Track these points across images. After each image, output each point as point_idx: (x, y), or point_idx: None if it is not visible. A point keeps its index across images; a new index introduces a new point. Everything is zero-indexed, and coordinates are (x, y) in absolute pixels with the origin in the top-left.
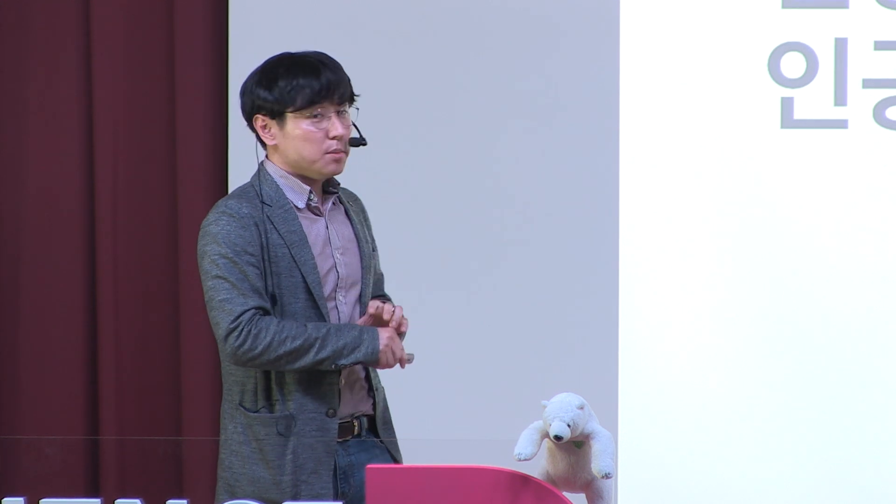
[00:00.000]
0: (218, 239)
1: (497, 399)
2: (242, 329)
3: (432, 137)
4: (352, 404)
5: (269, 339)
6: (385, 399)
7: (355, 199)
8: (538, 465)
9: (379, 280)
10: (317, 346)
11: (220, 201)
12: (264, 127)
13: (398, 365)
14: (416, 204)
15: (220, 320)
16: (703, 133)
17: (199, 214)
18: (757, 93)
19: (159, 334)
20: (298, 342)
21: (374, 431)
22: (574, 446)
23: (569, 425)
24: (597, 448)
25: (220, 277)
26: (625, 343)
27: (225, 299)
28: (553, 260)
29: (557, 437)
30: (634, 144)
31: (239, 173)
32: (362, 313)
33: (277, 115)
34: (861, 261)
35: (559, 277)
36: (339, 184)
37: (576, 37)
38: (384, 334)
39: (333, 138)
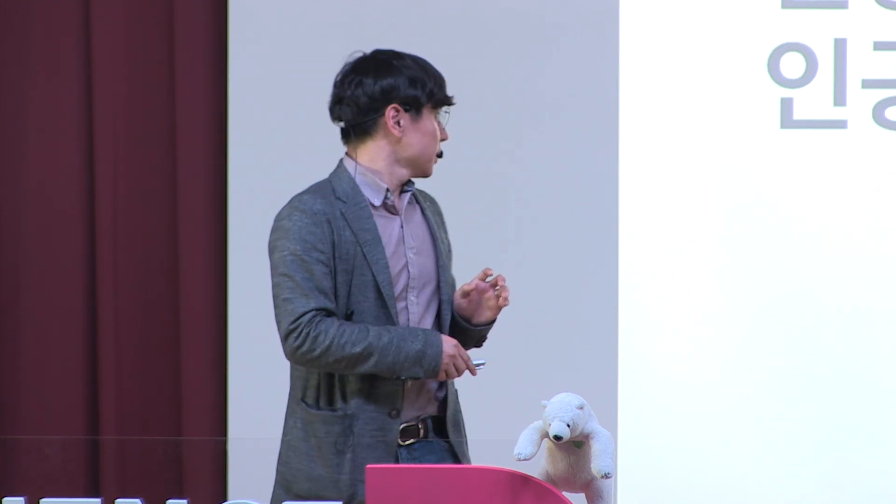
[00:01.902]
0: (290, 235)
1: (497, 399)
2: (302, 330)
3: None
4: (418, 406)
5: (327, 342)
6: (457, 400)
7: (432, 201)
8: (538, 465)
9: (453, 284)
10: (376, 355)
11: (294, 196)
12: (396, 117)
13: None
14: None
15: (282, 319)
16: (702, 133)
17: (199, 215)
18: (757, 93)
19: (159, 335)
20: (358, 349)
21: (444, 433)
22: (574, 446)
23: (568, 425)
24: (596, 448)
25: (285, 275)
26: (625, 343)
27: (288, 298)
28: (553, 260)
29: (557, 437)
30: (634, 144)
31: (239, 173)
32: (444, 313)
33: (416, 107)
34: (861, 261)
35: (559, 277)
36: (413, 182)
37: (576, 37)
38: (448, 349)
39: (442, 140)
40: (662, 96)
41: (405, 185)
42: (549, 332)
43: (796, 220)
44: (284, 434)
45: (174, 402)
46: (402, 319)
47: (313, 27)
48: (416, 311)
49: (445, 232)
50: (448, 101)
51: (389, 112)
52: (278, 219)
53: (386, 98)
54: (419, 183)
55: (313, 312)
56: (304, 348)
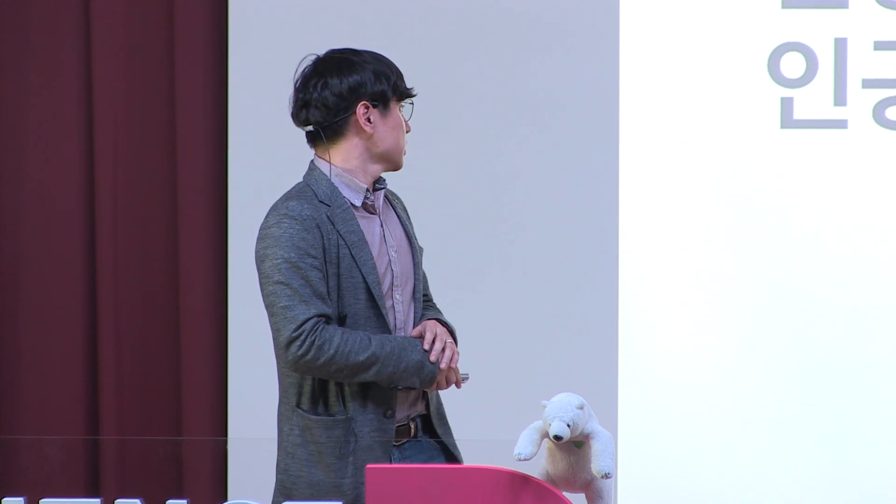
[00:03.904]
0: (281, 242)
1: (497, 399)
2: (306, 338)
3: (432, 138)
4: (407, 406)
5: (332, 350)
6: (438, 396)
7: (397, 198)
8: (538, 465)
9: (424, 279)
10: (378, 364)
11: (278, 202)
12: (366, 114)
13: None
14: (416, 204)
15: (282, 327)
16: (703, 133)
17: (199, 215)
18: (757, 93)
19: (159, 334)
20: (362, 357)
21: (431, 430)
22: (574, 446)
23: (568, 425)
24: (596, 448)
25: (281, 283)
26: (625, 343)
27: (287, 306)
28: (553, 260)
29: (557, 437)
30: (634, 144)
31: (239, 173)
32: (416, 311)
33: (383, 101)
34: (861, 261)
35: (559, 277)
36: (384, 181)
37: (576, 37)
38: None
39: (406, 132)
40: (662, 96)
41: (376, 183)
42: (549, 332)
43: (796, 219)
44: (280, 441)
45: (174, 402)
46: (390, 319)
47: (313, 27)
48: (401, 308)
49: (412, 227)
50: (410, 93)
51: (360, 109)
52: (266, 227)
53: (354, 95)
54: (408, 182)
55: (315, 319)
56: (309, 356)
